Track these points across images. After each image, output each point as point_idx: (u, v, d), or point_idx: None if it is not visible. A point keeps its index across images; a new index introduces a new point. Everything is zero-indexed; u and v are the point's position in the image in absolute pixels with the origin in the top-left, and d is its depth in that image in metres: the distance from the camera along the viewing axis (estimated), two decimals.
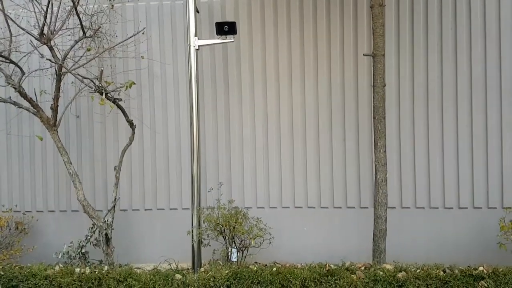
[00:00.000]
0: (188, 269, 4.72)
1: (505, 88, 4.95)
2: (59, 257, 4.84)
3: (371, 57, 4.39)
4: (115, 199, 4.90)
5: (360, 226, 5.04)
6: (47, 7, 4.14)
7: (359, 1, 5.08)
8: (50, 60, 4.28)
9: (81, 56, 4.65)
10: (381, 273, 3.95)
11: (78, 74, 4.25)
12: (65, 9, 4.40)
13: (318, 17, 5.20)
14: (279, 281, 4.01)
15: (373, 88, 4.42)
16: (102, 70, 4.22)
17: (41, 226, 5.49)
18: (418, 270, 3.96)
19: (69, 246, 4.92)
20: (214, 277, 4.07)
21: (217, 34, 4.65)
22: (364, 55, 4.50)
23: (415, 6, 5.06)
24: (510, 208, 4.72)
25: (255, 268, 4.17)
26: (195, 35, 4.70)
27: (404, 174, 5.13)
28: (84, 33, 4.40)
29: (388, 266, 4.08)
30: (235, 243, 4.68)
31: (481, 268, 3.94)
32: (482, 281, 3.81)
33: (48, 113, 4.71)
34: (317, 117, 5.24)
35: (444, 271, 3.93)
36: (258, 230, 4.61)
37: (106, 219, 4.80)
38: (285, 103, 5.27)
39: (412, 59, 5.09)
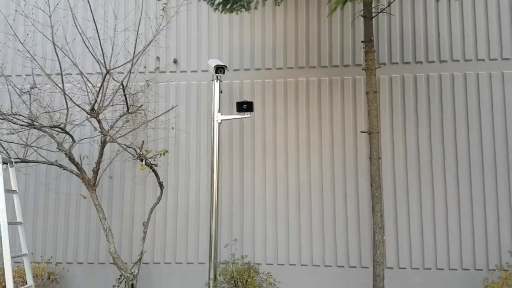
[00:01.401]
0: None
1: (486, 161, 5.67)
2: None
3: (368, 133, 5.16)
4: (141, 252, 5.50)
5: (360, 284, 5.53)
6: (100, 88, 5.03)
7: (357, 87, 5.96)
8: (101, 132, 5.08)
9: (121, 127, 5.50)
10: None
11: (124, 144, 5.05)
12: (112, 89, 5.30)
13: (321, 98, 6.07)
14: None
15: (370, 160, 5.14)
16: (143, 141, 5.04)
17: (70, 276, 6.04)
18: None
19: None
20: None
21: (237, 111, 5.49)
22: (361, 132, 5.27)
23: (406, 90, 5.93)
24: (494, 270, 5.26)
25: None
26: (219, 111, 5.55)
27: (400, 236, 5.72)
28: (128, 109, 5.26)
29: None
30: None
31: None
32: None
33: (89, 174, 5.47)
34: (321, 185, 5.93)
35: None
36: (268, 285, 5.15)
37: (132, 270, 5.37)
38: (292, 172, 6.00)
39: (405, 135, 5.87)
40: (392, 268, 5.64)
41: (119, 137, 5.24)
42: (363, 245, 5.72)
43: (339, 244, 5.81)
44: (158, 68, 6.37)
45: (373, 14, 5.15)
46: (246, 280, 5.13)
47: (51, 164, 5.47)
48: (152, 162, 5.23)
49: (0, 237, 4.27)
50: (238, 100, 5.85)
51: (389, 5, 5.86)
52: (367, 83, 5.11)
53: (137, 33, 5.37)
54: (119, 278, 5.45)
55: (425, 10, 6.02)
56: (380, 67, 5.82)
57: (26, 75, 6.14)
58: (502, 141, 5.69)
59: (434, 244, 5.64)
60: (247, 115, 5.55)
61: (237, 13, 5.69)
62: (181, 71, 6.38)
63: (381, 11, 5.55)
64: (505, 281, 4.94)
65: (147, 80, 6.12)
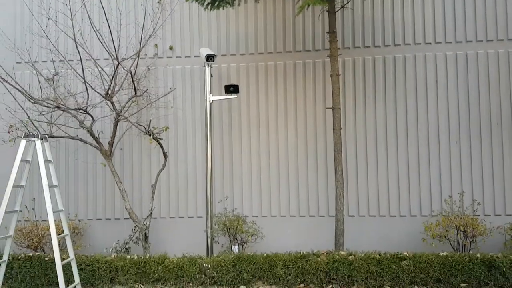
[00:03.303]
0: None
1: (431, 128, 6.95)
2: (110, 251, 6.66)
3: (332, 109, 6.36)
4: (151, 208, 6.77)
5: (328, 229, 6.88)
6: (113, 77, 6.16)
7: (326, 69, 7.12)
8: (117, 113, 6.25)
9: (128, 107, 6.66)
10: (338, 256, 5.82)
11: (136, 122, 6.23)
12: (122, 77, 6.42)
13: (296, 79, 7.24)
14: (268, 262, 5.87)
15: (333, 130, 6.37)
16: (150, 120, 6.21)
17: (91, 230, 7.34)
18: (362, 254, 5.84)
19: (116, 243, 6.76)
20: (224, 259, 5.93)
21: (225, 93, 6.67)
22: (326, 108, 6.47)
23: (366, 71, 7.12)
24: (436, 215, 6.66)
25: (252, 254, 6.03)
26: (210, 93, 6.71)
27: (360, 191, 7.05)
28: (136, 92, 6.40)
29: (342, 252, 5.94)
30: (237, 239, 6.55)
31: (405, 253, 5.81)
32: (404, 261, 5.68)
33: (105, 147, 6.65)
34: (296, 151, 7.19)
35: (380, 255, 5.81)
36: (254, 230, 6.50)
37: (145, 222, 6.66)
38: (273, 141, 7.23)
39: (365, 109, 7.10)
40: (354, 216, 7.01)
41: (128, 116, 6.40)
42: (330, 198, 7.05)
43: (311, 198, 7.13)
44: (156, 54, 7.45)
45: (336, 9, 6.25)
46: (236, 227, 6.45)
47: (73, 139, 6.64)
48: (158, 137, 6.43)
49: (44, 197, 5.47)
50: (226, 83, 7.03)
51: (349, 1, 6.90)
52: (331, 67, 6.27)
53: (143, 28, 6.43)
54: (134, 229, 6.75)
55: (383, 0, 7.12)
56: (341, 54, 6.93)
57: (51, 61, 7.19)
58: (444, 112, 6.95)
59: (388, 196, 6.99)
60: (233, 96, 6.74)
61: (223, 9, 6.76)
62: (176, 57, 7.47)
63: (342, 7, 6.64)
64: (438, 222, 6.32)
65: (148, 66, 7.22)
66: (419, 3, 7.08)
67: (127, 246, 6.68)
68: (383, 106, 7.08)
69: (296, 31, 7.29)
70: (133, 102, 6.81)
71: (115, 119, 6.39)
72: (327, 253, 5.97)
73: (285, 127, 7.24)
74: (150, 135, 6.16)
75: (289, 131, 7.23)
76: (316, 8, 7.13)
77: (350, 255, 5.86)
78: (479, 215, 6.60)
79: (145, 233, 6.58)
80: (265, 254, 6.00)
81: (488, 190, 6.77)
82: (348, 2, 6.72)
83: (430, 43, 7.04)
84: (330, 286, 5.71)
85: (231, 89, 6.60)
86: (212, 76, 6.89)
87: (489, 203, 6.75)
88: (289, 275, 5.77)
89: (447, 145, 6.91)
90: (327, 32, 6.48)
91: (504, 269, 5.41)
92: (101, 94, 6.31)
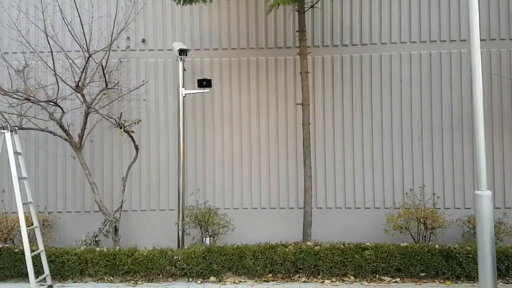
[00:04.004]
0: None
1: (394, 124, 7.24)
2: (79, 243, 6.68)
3: (301, 105, 6.55)
4: (122, 201, 6.81)
5: (297, 220, 7.08)
6: (83, 69, 6.15)
7: (297, 66, 7.28)
8: (87, 105, 6.23)
9: (99, 100, 6.64)
10: (304, 246, 6.04)
11: (107, 115, 6.24)
12: (93, 69, 6.41)
13: (268, 75, 7.40)
14: (238, 253, 6.03)
15: (302, 125, 6.57)
16: (122, 113, 6.24)
17: (62, 223, 7.30)
18: (327, 245, 6.08)
19: (86, 236, 6.78)
20: (194, 251, 6.06)
21: (198, 87, 6.76)
22: (296, 104, 6.65)
23: (334, 69, 7.34)
24: (398, 208, 6.97)
25: (222, 246, 6.18)
26: (183, 87, 6.79)
27: (328, 184, 7.29)
28: (107, 85, 6.40)
29: (309, 243, 6.17)
30: (208, 232, 6.68)
31: (367, 243, 6.08)
32: (366, 251, 5.95)
33: (75, 139, 6.63)
34: (268, 145, 7.36)
35: (344, 245, 6.07)
36: (225, 222, 6.65)
37: (115, 215, 6.70)
38: (245, 135, 7.37)
39: (333, 105, 7.34)
40: (321, 208, 7.25)
41: (99, 109, 6.41)
42: (299, 191, 7.24)
43: (281, 191, 7.32)
44: (128, 47, 7.45)
45: (306, 9, 6.43)
46: (208, 220, 6.58)
47: (43, 131, 6.59)
48: (130, 129, 6.46)
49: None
50: (199, 77, 7.12)
51: (318, 1, 7.07)
52: (301, 65, 6.46)
53: (114, 21, 6.43)
54: (104, 222, 6.78)
55: (351, 1, 7.34)
56: (310, 52, 7.10)
57: (22, 52, 7.09)
58: (408, 109, 7.25)
59: (353, 188, 7.26)
60: (206, 90, 6.84)
61: (195, 4, 6.83)
62: (149, 50, 7.49)
63: (312, 7, 6.82)
64: (400, 214, 6.63)
65: (119, 58, 7.22)
66: (386, 4, 7.34)
67: (96, 239, 6.72)
68: (350, 103, 7.32)
69: (268, 28, 7.43)
70: (104, 94, 6.80)
71: (85, 112, 6.39)
72: (295, 244, 6.19)
73: (257, 122, 7.39)
74: (121, 128, 6.20)
75: (261, 126, 7.39)
76: (287, 6, 7.28)
77: (317, 245, 6.08)
78: (439, 208, 6.95)
79: (115, 226, 6.63)
80: (235, 246, 6.15)
81: (448, 184, 7.13)
82: (317, 2, 6.91)
83: (396, 43, 7.32)
84: (297, 275, 5.93)
85: (204, 83, 6.70)
86: (185, 70, 6.96)
87: (449, 197, 7.12)
88: (258, 266, 5.95)
89: (409, 141, 7.23)
90: (297, 31, 6.65)
91: (461, 259, 5.74)
92: (71, 86, 6.29)
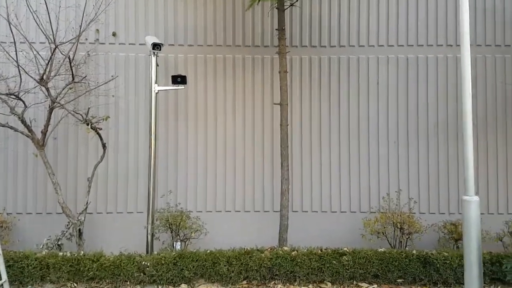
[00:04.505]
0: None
1: (371, 126, 7.14)
2: (40, 247, 6.21)
3: (279, 105, 6.36)
4: (87, 202, 6.40)
5: (273, 224, 6.84)
6: (49, 61, 5.72)
7: (275, 65, 7.08)
8: (52, 100, 5.79)
9: (65, 94, 6.21)
10: (281, 252, 5.83)
11: (73, 110, 5.83)
12: (59, 61, 5.99)
13: (245, 73, 7.16)
14: (211, 259, 5.75)
15: (280, 126, 6.37)
16: (89, 108, 5.84)
17: (21, 225, 6.80)
18: (304, 250, 5.90)
19: (47, 239, 6.32)
20: (165, 257, 5.73)
21: (172, 83, 6.44)
22: (274, 104, 6.46)
23: (312, 69, 7.19)
24: (374, 212, 6.88)
25: (195, 251, 5.89)
26: (156, 83, 6.45)
27: (304, 186, 7.11)
28: (73, 78, 5.99)
29: (286, 248, 5.97)
30: (179, 236, 6.36)
31: (345, 249, 5.94)
32: (344, 256, 5.81)
33: (38, 135, 6.18)
34: (243, 146, 7.12)
35: (321, 250, 5.90)
36: (197, 226, 6.35)
37: (79, 218, 6.28)
38: (220, 135, 7.10)
39: (311, 106, 7.18)
40: (297, 211, 7.07)
41: (64, 104, 5.99)
42: (275, 194, 7.04)
43: (256, 194, 7.09)
44: (98, 40, 7.04)
45: (285, 7, 6.25)
46: (179, 223, 6.26)
47: (3, 126, 6.10)
48: (97, 126, 6.07)
49: None
50: (173, 73, 6.79)
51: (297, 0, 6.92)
52: (280, 64, 6.27)
53: (84, 11, 6.04)
54: (67, 224, 6.35)
55: (330, 2, 7.22)
56: (289, 51, 6.91)
57: None
58: (384, 113, 7.18)
59: (330, 192, 7.12)
60: (181, 87, 6.53)
61: None
62: (119, 44, 7.11)
63: (291, 5, 6.64)
64: (377, 219, 6.53)
65: (88, 51, 6.81)
66: (365, 7, 7.25)
67: (59, 243, 6.28)
68: (328, 105, 7.18)
69: (245, 26, 7.20)
70: (70, 88, 6.36)
71: (49, 106, 5.95)
72: (271, 249, 5.97)
73: (233, 121, 7.14)
74: (88, 125, 5.80)
75: (237, 125, 7.14)
76: (266, 4, 7.08)
77: (293, 250, 5.89)
78: (415, 213, 6.87)
79: (79, 229, 6.21)
80: (208, 251, 5.88)
81: (423, 189, 7.10)
82: (297, 0, 6.73)
83: (373, 46, 7.25)
84: (273, 282, 5.71)
85: (179, 79, 6.38)
86: (158, 66, 6.62)
87: (424, 202, 7.09)
88: (232, 272, 5.69)
89: (386, 144, 7.15)
90: (276, 29, 6.46)
91: (438, 265, 5.66)
92: (35, 79, 5.84)
